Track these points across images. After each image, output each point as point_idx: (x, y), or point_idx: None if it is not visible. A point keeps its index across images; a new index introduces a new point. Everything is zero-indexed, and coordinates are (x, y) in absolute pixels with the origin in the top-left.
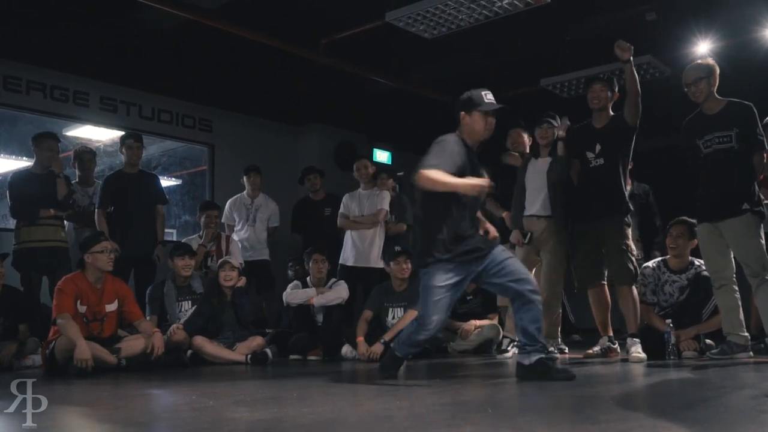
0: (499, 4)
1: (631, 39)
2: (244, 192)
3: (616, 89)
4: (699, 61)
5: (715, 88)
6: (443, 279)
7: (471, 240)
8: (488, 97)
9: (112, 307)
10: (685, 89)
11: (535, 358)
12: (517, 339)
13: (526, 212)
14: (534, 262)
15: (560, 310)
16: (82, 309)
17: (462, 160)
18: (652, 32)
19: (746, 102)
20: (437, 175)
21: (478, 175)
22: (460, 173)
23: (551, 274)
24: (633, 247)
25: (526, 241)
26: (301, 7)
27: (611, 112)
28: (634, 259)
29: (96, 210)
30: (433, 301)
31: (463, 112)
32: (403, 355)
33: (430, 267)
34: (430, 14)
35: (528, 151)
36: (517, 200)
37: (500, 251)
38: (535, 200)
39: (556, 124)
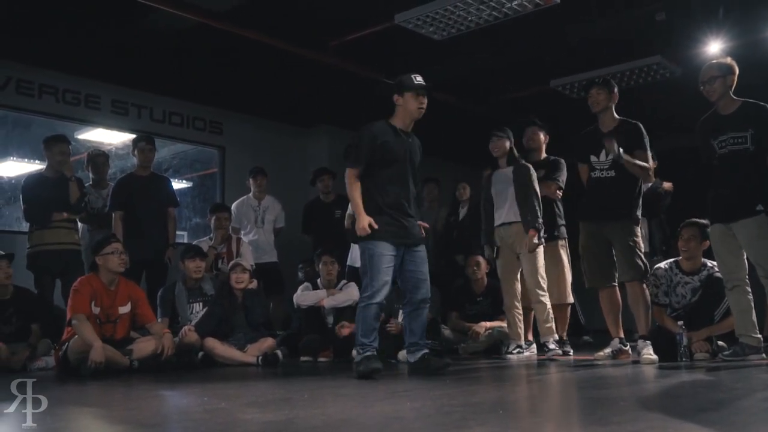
0: (509, 5)
1: (641, 39)
2: (250, 194)
3: (615, 89)
4: (717, 60)
5: (732, 88)
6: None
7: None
8: (418, 79)
9: (125, 309)
10: (701, 87)
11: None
12: (522, 345)
13: (498, 221)
14: (516, 267)
15: (549, 308)
16: (96, 310)
17: (382, 142)
18: (661, 32)
19: (762, 103)
20: (351, 183)
21: (410, 156)
22: (381, 155)
23: (533, 277)
24: (642, 244)
25: (495, 255)
26: (310, 10)
27: (616, 115)
28: (643, 255)
29: (113, 213)
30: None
31: (396, 95)
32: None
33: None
34: (439, 16)
35: (544, 149)
36: (485, 215)
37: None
38: (504, 209)
39: (504, 135)
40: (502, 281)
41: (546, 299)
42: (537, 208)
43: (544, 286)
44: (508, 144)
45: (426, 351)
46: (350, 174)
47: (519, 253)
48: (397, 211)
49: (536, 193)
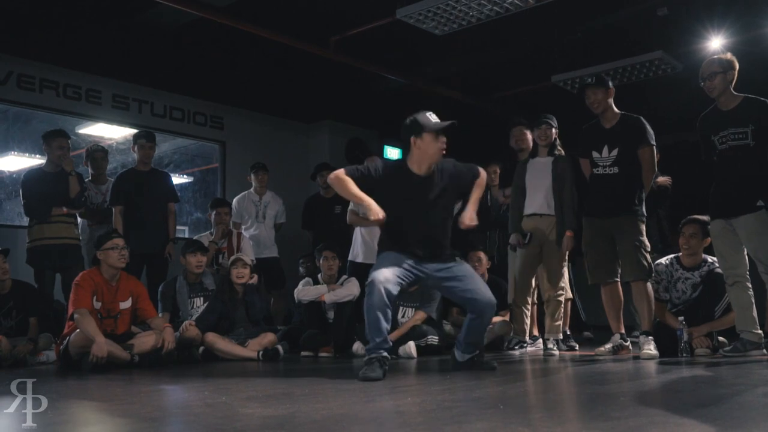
0: (510, 0)
1: (643, 34)
2: (251, 189)
3: (609, 84)
4: (718, 56)
5: (733, 84)
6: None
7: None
8: (434, 117)
9: (126, 304)
10: (701, 83)
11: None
12: (526, 340)
13: (528, 211)
14: (537, 261)
15: (562, 307)
16: (97, 305)
17: (391, 184)
18: (663, 27)
19: (762, 98)
20: (341, 178)
21: (432, 196)
22: (388, 195)
23: (554, 272)
24: (647, 242)
25: (526, 241)
26: (311, 4)
27: (616, 110)
28: (648, 254)
29: (113, 208)
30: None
31: (413, 137)
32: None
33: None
34: (440, 11)
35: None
36: (515, 202)
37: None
38: (537, 199)
39: (554, 125)
40: (519, 273)
41: (563, 297)
42: (574, 206)
43: (563, 285)
44: (554, 133)
45: (477, 353)
46: (340, 173)
47: (544, 246)
48: (413, 246)
49: (573, 188)
